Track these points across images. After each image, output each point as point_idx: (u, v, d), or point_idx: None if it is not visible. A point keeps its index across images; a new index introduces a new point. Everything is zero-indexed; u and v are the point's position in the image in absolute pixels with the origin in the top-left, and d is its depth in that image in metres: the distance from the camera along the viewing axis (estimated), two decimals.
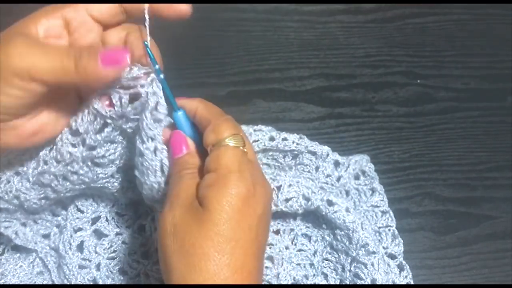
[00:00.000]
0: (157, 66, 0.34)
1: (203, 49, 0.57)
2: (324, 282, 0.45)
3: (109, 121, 0.36)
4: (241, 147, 0.33)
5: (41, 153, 0.37)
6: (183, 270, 0.30)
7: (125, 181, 0.42)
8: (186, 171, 0.33)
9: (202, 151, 0.35)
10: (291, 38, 0.59)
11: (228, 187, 0.30)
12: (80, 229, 0.44)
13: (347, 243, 0.43)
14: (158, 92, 0.34)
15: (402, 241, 0.45)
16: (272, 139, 0.44)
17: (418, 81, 0.57)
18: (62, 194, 0.40)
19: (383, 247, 0.45)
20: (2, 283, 0.43)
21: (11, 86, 0.30)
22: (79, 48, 0.31)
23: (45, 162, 0.37)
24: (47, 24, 0.31)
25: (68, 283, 0.43)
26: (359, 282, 0.43)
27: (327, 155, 0.46)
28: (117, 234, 0.45)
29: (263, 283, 0.44)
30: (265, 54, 0.57)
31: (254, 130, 0.44)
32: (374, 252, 0.42)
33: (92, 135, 0.36)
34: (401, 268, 0.45)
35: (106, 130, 0.36)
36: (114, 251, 0.45)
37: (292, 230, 0.46)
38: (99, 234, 0.45)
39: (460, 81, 0.58)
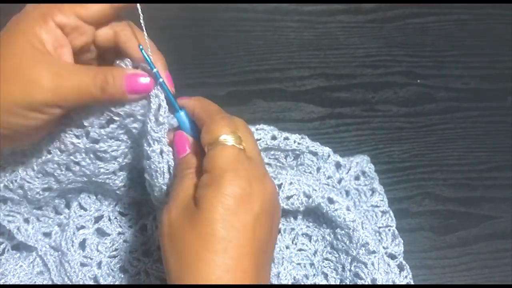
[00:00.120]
0: (154, 70, 0.34)
1: (203, 49, 0.57)
2: (324, 282, 0.45)
3: (116, 118, 0.36)
4: (237, 145, 0.32)
5: (44, 143, 0.38)
6: (177, 270, 0.30)
7: (127, 179, 0.42)
8: (187, 171, 0.33)
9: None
10: (291, 38, 0.59)
11: (221, 187, 0.30)
12: (82, 227, 0.45)
13: (347, 242, 0.43)
14: (159, 95, 0.34)
15: (402, 241, 0.45)
16: (274, 138, 0.45)
17: (418, 81, 0.57)
18: (64, 185, 0.41)
19: (383, 247, 0.45)
20: (2, 283, 0.43)
21: (36, 112, 0.31)
22: (104, 74, 0.32)
23: (49, 152, 0.38)
24: (50, 37, 0.32)
25: (68, 280, 0.43)
26: (359, 282, 0.43)
27: (328, 156, 0.47)
28: (119, 233, 0.46)
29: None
30: (265, 54, 0.57)
31: (256, 129, 0.44)
32: (374, 252, 0.42)
33: (97, 129, 0.37)
34: (401, 268, 0.45)
35: (111, 126, 0.37)
36: (116, 250, 0.45)
37: (292, 229, 0.46)
38: (101, 233, 0.46)
39: (460, 81, 0.58)
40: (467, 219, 0.50)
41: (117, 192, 0.43)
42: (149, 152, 0.36)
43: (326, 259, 0.45)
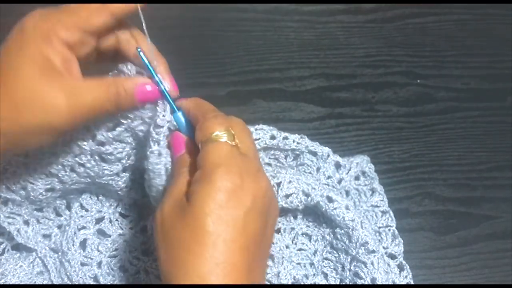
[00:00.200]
0: (157, 78, 0.35)
1: (203, 49, 0.57)
2: (324, 282, 0.45)
3: (123, 121, 0.36)
4: (230, 142, 0.32)
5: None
6: (168, 264, 0.30)
7: (129, 180, 0.43)
8: (182, 169, 0.34)
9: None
10: (291, 38, 0.59)
11: (212, 181, 0.30)
12: (84, 228, 0.45)
13: (347, 241, 0.43)
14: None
15: (402, 241, 0.45)
16: (273, 137, 0.45)
17: (418, 81, 0.57)
18: (67, 186, 0.41)
19: (383, 247, 0.45)
20: (2, 283, 0.43)
21: (52, 132, 0.32)
22: (116, 87, 0.33)
23: (53, 153, 0.38)
24: (57, 56, 0.32)
25: (68, 280, 0.43)
26: (359, 281, 0.43)
27: (328, 156, 0.47)
28: (120, 235, 0.46)
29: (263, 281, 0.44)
30: (265, 54, 0.57)
31: (256, 129, 0.44)
32: (373, 251, 0.42)
33: (104, 132, 0.37)
34: (401, 268, 0.45)
35: (118, 129, 0.37)
36: (116, 250, 0.45)
37: (292, 229, 0.46)
38: (102, 234, 0.46)
39: (460, 81, 0.58)
40: (467, 219, 0.50)
41: (119, 192, 0.44)
42: (148, 152, 0.36)
43: (326, 258, 0.45)
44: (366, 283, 0.42)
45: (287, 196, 0.43)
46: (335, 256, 0.45)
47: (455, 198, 0.51)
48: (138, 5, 0.34)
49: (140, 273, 0.44)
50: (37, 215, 0.44)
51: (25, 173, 0.39)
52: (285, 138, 0.45)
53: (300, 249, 0.46)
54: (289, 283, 0.44)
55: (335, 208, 0.42)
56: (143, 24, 0.34)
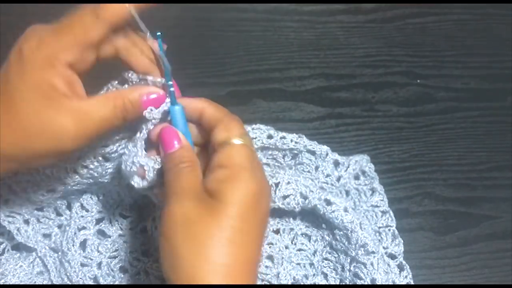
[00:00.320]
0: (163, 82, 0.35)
1: (203, 49, 0.57)
2: (324, 282, 0.45)
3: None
4: (251, 146, 0.34)
5: None
6: (192, 258, 0.30)
7: None
8: (183, 165, 0.34)
9: (193, 147, 0.36)
10: (291, 38, 0.59)
11: (243, 183, 0.32)
12: (84, 228, 0.45)
13: (346, 243, 0.43)
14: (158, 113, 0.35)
15: (402, 241, 0.45)
16: (270, 137, 0.44)
17: (418, 81, 0.57)
18: (70, 187, 0.41)
19: (383, 247, 0.45)
20: (2, 283, 0.43)
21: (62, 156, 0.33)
22: (122, 102, 0.33)
23: None
24: (61, 80, 0.32)
25: (68, 281, 0.43)
26: (358, 282, 0.43)
27: (326, 154, 0.47)
28: (120, 235, 0.46)
29: (263, 283, 0.44)
30: (265, 54, 0.57)
31: (252, 128, 0.44)
32: (373, 252, 0.42)
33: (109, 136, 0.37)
34: (401, 268, 0.45)
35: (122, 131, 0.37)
36: (116, 250, 0.45)
37: (292, 229, 0.46)
38: (102, 234, 0.46)
39: (460, 81, 0.58)
40: (467, 219, 0.50)
41: (120, 191, 0.43)
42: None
43: (326, 259, 0.45)
44: (366, 283, 0.42)
45: (285, 197, 0.43)
46: (334, 257, 0.45)
47: (455, 198, 0.51)
48: (131, 8, 0.33)
49: (140, 274, 0.44)
50: (37, 215, 0.44)
51: (27, 175, 0.39)
52: (283, 137, 0.45)
53: (299, 250, 0.46)
54: (289, 283, 0.44)
55: (333, 211, 0.42)
56: (139, 23, 0.34)
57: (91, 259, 0.44)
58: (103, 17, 0.32)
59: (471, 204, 0.51)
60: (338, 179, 0.47)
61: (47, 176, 0.40)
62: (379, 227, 0.46)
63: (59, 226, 0.45)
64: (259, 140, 0.44)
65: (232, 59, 0.57)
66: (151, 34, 0.35)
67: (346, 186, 0.47)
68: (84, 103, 0.32)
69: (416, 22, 0.61)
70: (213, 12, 0.59)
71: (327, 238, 0.45)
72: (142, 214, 0.46)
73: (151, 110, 0.34)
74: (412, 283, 0.45)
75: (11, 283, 0.43)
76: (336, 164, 0.47)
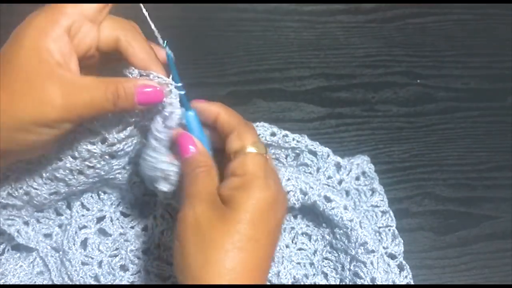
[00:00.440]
0: (171, 82, 0.35)
1: (203, 49, 0.57)
2: (324, 281, 0.45)
3: (131, 119, 0.36)
4: (265, 154, 0.35)
5: (54, 151, 0.37)
6: (200, 262, 0.31)
7: (133, 174, 0.42)
8: (199, 169, 0.34)
9: (209, 152, 0.36)
10: (291, 38, 0.59)
11: (255, 191, 0.32)
12: (85, 227, 0.45)
13: (346, 241, 0.43)
14: (174, 103, 0.35)
15: (402, 241, 0.45)
16: (273, 134, 0.45)
17: (418, 81, 0.57)
18: (74, 188, 0.41)
19: (383, 247, 0.45)
20: (2, 283, 0.43)
21: (48, 128, 0.32)
22: (115, 87, 0.32)
23: (59, 159, 0.38)
24: (57, 46, 0.31)
25: (69, 280, 0.43)
26: (358, 281, 0.43)
27: (328, 155, 0.47)
28: (120, 234, 0.46)
29: None
30: (265, 54, 0.57)
31: (256, 126, 0.45)
32: (373, 251, 0.42)
33: (115, 134, 0.37)
34: (401, 268, 0.45)
35: (129, 128, 0.37)
36: (116, 249, 0.45)
37: (292, 228, 0.46)
38: (103, 233, 0.46)
39: (460, 81, 0.58)
40: (467, 219, 0.50)
41: (122, 186, 0.43)
42: (146, 148, 0.36)
43: (326, 258, 0.45)
44: (365, 283, 0.42)
45: None
46: (335, 256, 0.45)
47: (455, 198, 0.51)
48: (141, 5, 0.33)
49: (141, 273, 0.44)
50: (37, 216, 0.44)
51: (29, 179, 0.39)
52: (285, 135, 0.45)
53: (300, 249, 0.46)
54: (289, 282, 0.44)
55: (333, 208, 0.42)
56: (150, 21, 0.34)
57: (92, 258, 0.44)
58: None
59: (471, 204, 0.51)
60: (340, 183, 0.47)
61: (51, 179, 0.39)
62: (379, 227, 0.46)
63: (60, 226, 0.45)
64: (262, 137, 0.45)
65: (232, 59, 0.57)
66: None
67: (346, 186, 0.48)
68: (76, 78, 0.32)
69: (416, 22, 0.61)
70: (213, 12, 0.59)
71: (327, 237, 0.45)
72: (143, 213, 0.46)
73: (164, 106, 0.34)
74: (412, 283, 0.45)
75: (11, 283, 0.43)
76: (338, 167, 0.47)
